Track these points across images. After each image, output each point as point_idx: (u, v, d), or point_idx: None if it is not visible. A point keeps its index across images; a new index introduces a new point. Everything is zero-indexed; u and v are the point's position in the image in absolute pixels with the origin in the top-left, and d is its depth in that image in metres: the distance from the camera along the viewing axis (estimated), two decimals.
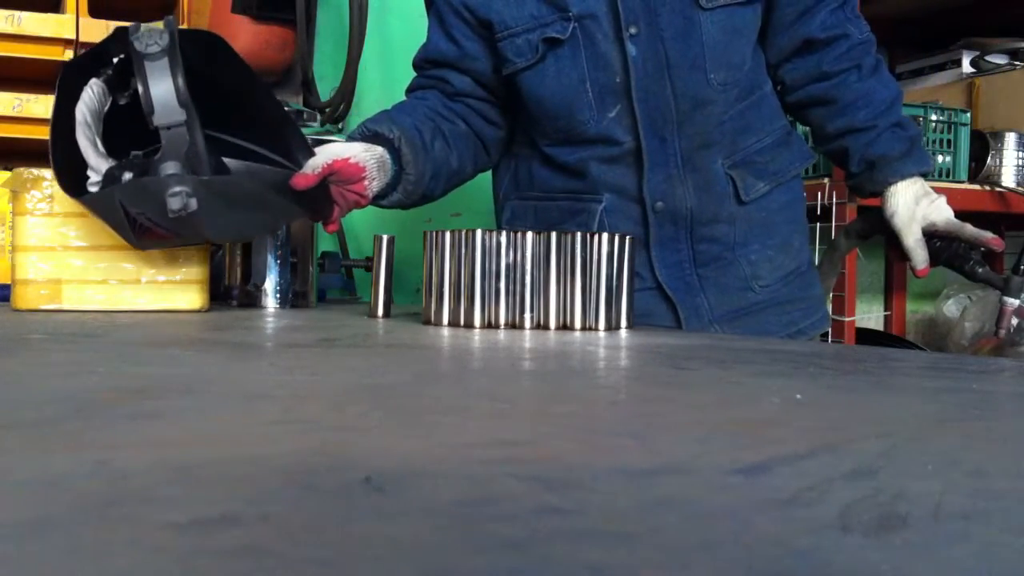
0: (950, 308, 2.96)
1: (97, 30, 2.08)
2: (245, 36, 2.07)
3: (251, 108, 1.29)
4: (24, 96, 2.05)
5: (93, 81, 1.19)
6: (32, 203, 1.34)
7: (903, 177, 1.35)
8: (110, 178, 1.15)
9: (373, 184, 1.28)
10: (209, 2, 2.06)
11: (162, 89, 1.12)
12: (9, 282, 1.39)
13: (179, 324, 1.12)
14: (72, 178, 1.17)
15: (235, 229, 1.28)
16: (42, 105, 2.06)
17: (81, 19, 2.08)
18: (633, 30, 1.29)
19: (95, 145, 1.16)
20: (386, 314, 1.30)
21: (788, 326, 1.42)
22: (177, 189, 1.10)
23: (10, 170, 1.47)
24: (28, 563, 0.25)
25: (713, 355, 0.91)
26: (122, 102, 1.21)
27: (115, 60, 1.21)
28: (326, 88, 2.30)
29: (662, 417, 0.55)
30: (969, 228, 1.34)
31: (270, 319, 1.29)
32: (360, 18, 2.20)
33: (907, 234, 1.35)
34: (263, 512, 0.31)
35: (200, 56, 1.18)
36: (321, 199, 1.26)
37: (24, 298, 1.35)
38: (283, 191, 1.21)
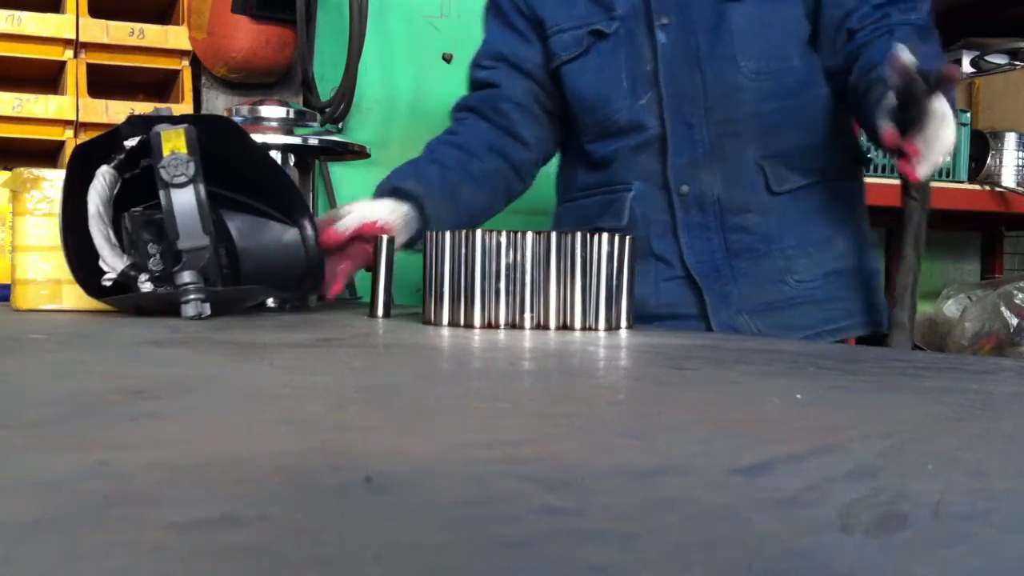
0: (950, 308, 2.96)
1: (97, 30, 2.08)
2: (245, 36, 2.07)
3: (258, 174, 1.36)
4: (24, 96, 2.04)
5: (104, 169, 1.23)
6: (32, 203, 1.34)
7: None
8: (125, 277, 1.21)
9: (397, 240, 1.34)
10: (209, 2, 2.06)
11: (187, 216, 1.19)
12: (9, 282, 1.39)
13: (179, 324, 1.12)
14: (83, 263, 1.23)
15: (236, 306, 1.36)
16: (42, 105, 2.06)
17: (81, 19, 2.08)
18: (664, 20, 1.37)
19: (109, 240, 1.21)
20: (386, 314, 1.30)
21: (824, 323, 1.40)
22: (193, 297, 1.17)
23: (10, 170, 1.47)
24: (28, 563, 0.25)
25: (713, 355, 0.91)
26: (127, 175, 1.27)
27: (126, 145, 1.27)
28: (326, 88, 2.30)
29: (662, 417, 0.55)
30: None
31: (270, 319, 1.29)
32: (360, 18, 2.20)
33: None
34: (263, 512, 0.31)
35: (214, 137, 1.25)
36: (319, 274, 1.37)
37: (24, 298, 1.35)
38: (290, 287, 1.34)
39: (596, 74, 1.42)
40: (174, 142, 1.20)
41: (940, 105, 1.11)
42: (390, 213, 1.35)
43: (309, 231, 1.39)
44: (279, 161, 1.57)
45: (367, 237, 1.32)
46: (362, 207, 1.37)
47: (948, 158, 2.49)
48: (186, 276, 1.19)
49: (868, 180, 2.36)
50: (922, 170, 1.15)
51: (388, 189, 1.40)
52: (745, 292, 1.38)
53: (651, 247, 1.41)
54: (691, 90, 1.36)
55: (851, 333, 1.43)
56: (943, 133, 1.12)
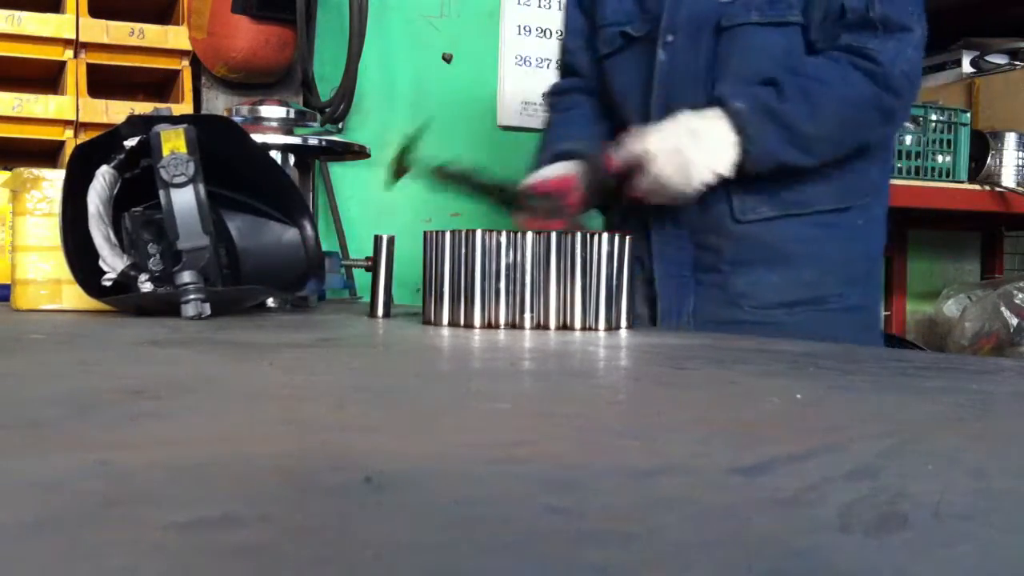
0: (950, 308, 2.96)
1: (97, 30, 2.08)
2: (245, 36, 2.06)
3: (258, 174, 1.37)
4: (24, 96, 2.04)
5: (104, 169, 1.23)
6: (32, 203, 1.34)
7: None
8: (126, 277, 1.22)
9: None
10: (209, 2, 2.06)
11: (187, 216, 1.19)
12: (9, 282, 1.39)
13: (179, 324, 1.12)
14: (83, 263, 1.23)
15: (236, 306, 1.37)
16: (42, 105, 2.06)
17: (81, 19, 2.08)
18: (670, 38, 1.39)
19: (109, 240, 1.22)
20: (386, 314, 1.30)
21: None
22: (193, 297, 1.18)
23: (10, 170, 1.47)
24: (28, 563, 0.25)
25: (713, 355, 0.91)
26: (126, 175, 1.27)
27: (126, 144, 1.27)
28: (326, 88, 2.30)
29: (662, 417, 0.55)
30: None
31: (270, 319, 1.29)
32: (360, 18, 2.20)
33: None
34: (263, 512, 0.31)
35: (214, 137, 1.26)
36: (320, 273, 1.42)
37: (24, 298, 1.35)
38: (291, 288, 1.37)
39: (624, 73, 1.46)
40: (174, 142, 1.20)
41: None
42: (567, 171, 1.40)
43: (309, 231, 1.40)
44: (279, 161, 1.58)
45: (560, 193, 1.37)
46: (544, 170, 1.43)
47: (948, 159, 2.48)
48: (186, 276, 1.19)
49: None
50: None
51: (552, 156, 1.47)
52: (699, 307, 1.40)
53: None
54: (675, 108, 1.37)
55: None
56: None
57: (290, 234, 1.40)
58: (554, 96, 1.64)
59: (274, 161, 1.44)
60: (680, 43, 1.38)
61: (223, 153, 1.26)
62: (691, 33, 1.37)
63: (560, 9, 2.62)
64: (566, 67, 1.62)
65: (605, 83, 1.51)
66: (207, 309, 1.19)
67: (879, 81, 1.30)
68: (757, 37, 1.35)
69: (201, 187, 1.20)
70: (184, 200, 1.19)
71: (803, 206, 1.37)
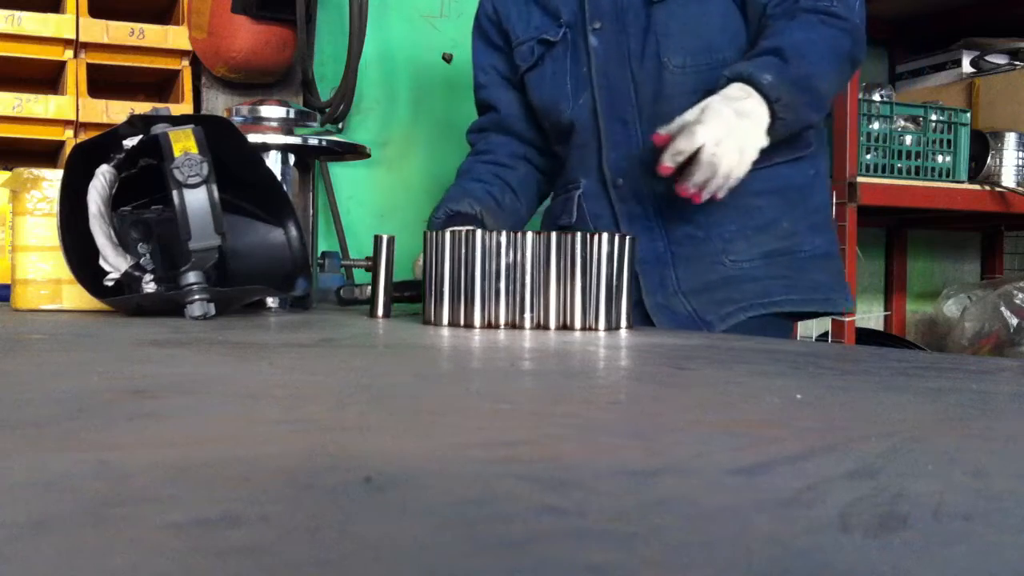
0: (950, 308, 2.96)
1: (97, 30, 2.08)
2: (245, 36, 2.06)
3: (245, 174, 1.37)
4: (24, 96, 2.04)
5: (104, 168, 1.23)
6: (32, 203, 1.34)
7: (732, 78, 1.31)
8: (128, 277, 1.22)
9: None
10: (209, 2, 2.06)
11: (200, 216, 1.20)
12: (9, 282, 1.39)
13: (179, 324, 1.12)
14: (82, 262, 1.24)
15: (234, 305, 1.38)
16: (42, 105, 2.06)
17: (81, 19, 2.08)
18: (597, 25, 1.45)
19: (111, 240, 1.22)
20: (386, 314, 1.30)
21: (758, 296, 1.42)
22: (198, 297, 1.19)
23: (10, 170, 1.47)
24: (28, 563, 0.25)
25: (713, 355, 0.91)
26: (122, 175, 1.27)
27: (126, 144, 1.28)
28: (326, 88, 2.30)
29: (662, 417, 0.55)
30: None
31: (270, 319, 1.29)
32: (360, 18, 2.20)
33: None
34: (263, 512, 0.31)
35: (212, 136, 1.27)
36: (306, 273, 1.45)
37: (24, 298, 1.35)
38: (281, 287, 1.39)
39: (548, 81, 1.51)
40: (184, 143, 1.20)
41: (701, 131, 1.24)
42: None
43: (293, 231, 1.40)
44: (279, 161, 1.58)
45: None
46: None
47: (948, 159, 2.48)
48: (191, 276, 1.19)
49: (868, 180, 2.37)
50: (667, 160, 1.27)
51: (448, 215, 1.51)
52: (682, 275, 1.43)
53: None
54: (623, 89, 1.43)
55: (788, 308, 1.44)
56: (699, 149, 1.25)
57: (275, 234, 1.41)
58: (472, 134, 1.70)
59: (262, 160, 1.44)
60: (608, 27, 1.43)
61: (214, 153, 1.27)
62: (617, 15, 1.43)
63: None
64: (481, 104, 1.68)
65: (530, 97, 1.55)
66: (212, 309, 1.19)
67: (851, 34, 1.35)
68: (691, 5, 1.40)
69: (214, 187, 1.20)
70: (197, 200, 1.20)
71: (765, 159, 1.35)
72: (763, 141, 1.29)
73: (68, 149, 1.91)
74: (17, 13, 2.02)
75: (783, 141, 1.40)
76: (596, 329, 1.14)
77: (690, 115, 1.27)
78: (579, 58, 1.47)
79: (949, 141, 2.50)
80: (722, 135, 1.25)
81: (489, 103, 1.65)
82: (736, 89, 1.28)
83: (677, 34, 1.41)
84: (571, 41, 1.48)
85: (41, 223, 1.34)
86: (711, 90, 1.32)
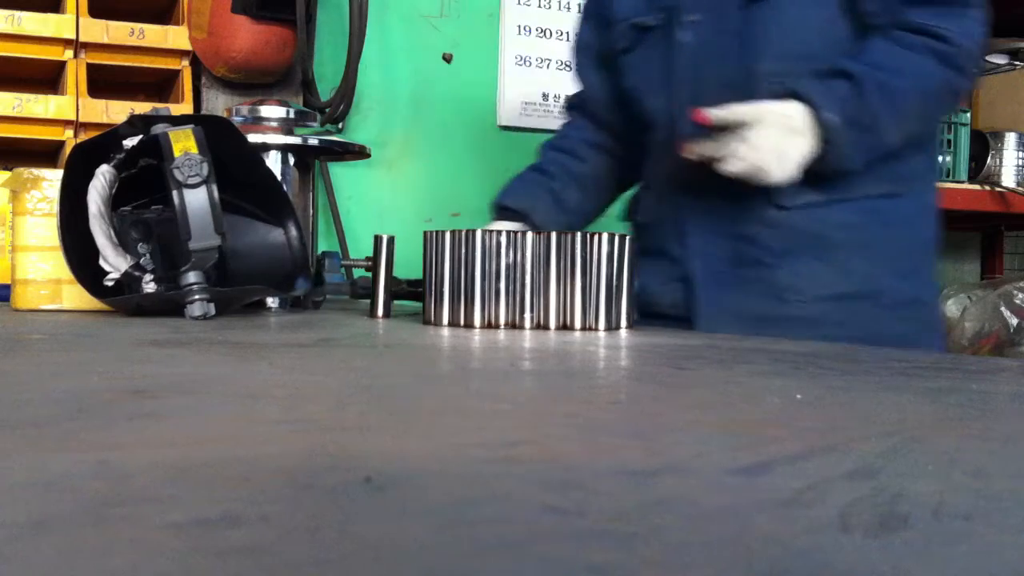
0: (950, 308, 2.96)
1: (97, 30, 2.08)
2: (245, 36, 2.07)
3: (245, 174, 1.37)
4: (24, 96, 2.04)
5: (104, 168, 1.23)
6: (32, 203, 1.34)
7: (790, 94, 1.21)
8: (129, 277, 1.22)
9: None
10: (209, 2, 2.06)
11: (200, 216, 1.20)
12: (9, 282, 1.39)
13: (179, 324, 1.12)
14: (81, 262, 1.24)
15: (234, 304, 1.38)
16: (42, 105, 2.06)
17: (81, 19, 2.08)
18: (692, 18, 1.33)
19: (111, 240, 1.22)
20: (386, 314, 1.30)
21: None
22: (198, 297, 1.19)
23: (10, 170, 1.47)
24: (28, 563, 0.25)
25: (713, 355, 0.91)
26: (124, 174, 1.28)
27: (126, 144, 1.28)
28: (326, 88, 2.30)
29: (662, 417, 0.55)
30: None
31: (270, 319, 1.29)
32: (360, 18, 2.20)
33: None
34: (263, 512, 0.31)
35: (212, 136, 1.26)
36: (306, 273, 1.44)
37: (24, 298, 1.35)
38: (281, 287, 1.39)
39: (638, 69, 1.41)
40: (184, 143, 1.20)
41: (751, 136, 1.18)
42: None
43: (293, 231, 1.40)
44: (279, 161, 1.58)
45: None
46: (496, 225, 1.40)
47: (948, 159, 2.47)
48: (191, 276, 1.19)
49: None
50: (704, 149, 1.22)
51: (497, 207, 1.48)
52: (740, 300, 1.32)
53: (662, 246, 1.39)
54: (708, 91, 1.30)
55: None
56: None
57: (275, 234, 1.41)
58: (565, 111, 1.65)
59: (261, 160, 1.44)
60: (705, 21, 1.31)
61: (213, 152, 1.27)
62: (714, 8, 1.31)
63: (560, 9, 2.62)
64: (577, 81, 1.59)
65: (622, 83, 1.45)
66: (212, 309, 1.19)
67: (951, 63, 1.22)
68: (792, 9, 1.28)
69: (214, 187, 1.20)
70: (197, 200, 1.20)
71: (850, 191, 1.27)
72: (801, 163, 1.20)
73: (68, 149, 1.91)
74: (17, 13, 2.02)
75: (874, 173, 1.28)
76: (596, 329, 1.14)
77: (743, 110, 1.20)
78: (670, 51, 1.35)
79: (949, 141, 2.51)
80: (770, 124, 1.18)
81: (579, 78, 1.57)
82: (794, 104, 1.19)
83: (775, 39, 1.28)
84: (665, 31, 1.36)
85: (41, 223, 1.34)
86: (779, 93, 1.22)
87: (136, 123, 1.27)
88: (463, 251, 1.14)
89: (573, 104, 1.62)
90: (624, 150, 1.54)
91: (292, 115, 1.64)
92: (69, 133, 2.07)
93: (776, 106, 1.20)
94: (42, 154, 2.18)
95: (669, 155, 1.35)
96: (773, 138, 1.18)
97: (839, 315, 1.29)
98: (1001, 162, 2.56)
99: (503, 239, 1.14)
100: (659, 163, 1.41)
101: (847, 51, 1.26)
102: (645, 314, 1.39)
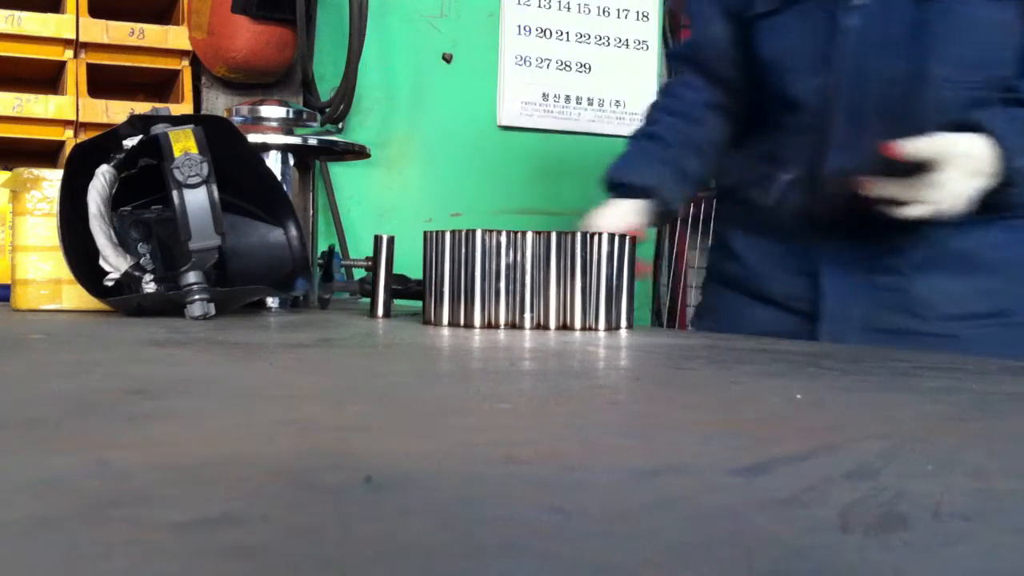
0: None
1: (97, 30, 2.08)
2: (245, 36, 2.07)
3: (244, 174, 1.37)
4: (24, 96, 2.04)
5: (104, 168, 1.23)
6: (32, 203, 1.34)
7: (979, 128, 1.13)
8: (129, 277, 1.22)
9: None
10: (209, 2, 2.06)
11: (200, 216, 1.20)
12: (9, 282, 1.39)
13: (179, 324, 1.12)
14: (81, 261, 1.24)
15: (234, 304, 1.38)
16: (42, 105, 2.06)
17: (81, 19, 2.08)
18: (859, 1, 1.21)
19: (111, 240, 1.22)
20: (386, 314, 1.30)
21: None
22: (198, 297, 1.19)
23: (10, 170, 1.47)
24: (28, 563, 0.25)
25: (713, 355, 0.91)
26: (124, 174, 1.28)
27: (126, 144, 1.27)
28: (326, 88, 2.30)
29: (662, 417, 0.55)
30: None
31: (270, 319, 1.29)
32: (360, 18, 2.20)
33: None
34: (263, 512, 0.31)
35: (212, 136, 1.26)
36: (306, 274, 1.45)
37: (24, 298, 1.35)
38: (281, 287, 1.39)
39: (783, 40, 1.28)
40: (184, 143, 1.20)
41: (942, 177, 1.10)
42: (636, 217, 1.33)
43: (293, 231, 1.40)
44: (279, 161, 1.58)
45: None
46: (608, 221, 1.31)
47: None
48: (191, 276, 1.19)
49: None
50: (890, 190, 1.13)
51: (613, 183, 1.36)
52: (870, 310, 1.25)
53: (783, 229, 1.30)
54: (870, 87, 1.21)
55: None
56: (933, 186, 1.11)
57: (275, 234, 1.41)
58: (670, 61, 1.51)
59: (261, 160, 1.44)
60: (873, 7, 1.20)
61: (213, 152, 1.27)
62: None
63: (560, 9, 2.62)
64: (694, 27, 1.45)
65: (756, 48, 1.31)
66: (212, 309, 1.19)
67: None
68: (968, 7, 1.17)
69: (214, 187, 1.20)
70: (197, 200, 1.20)
71: (1001, 208, 1.20)
72: (978, 195, 1.13)
73: (68, 149, 1.91)
74: (17, 13, 2.02)
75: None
76: (596, 329, 1.14)
77: (933, 148, 1.12)
78: (828, 32, 1.23)
79: None
80: (961, 162, 1.11)
81: (695, 29, 1.44)
82: (982, 150, 1.12)
83: (948, 39, 1.18)
84: (825, 7, 1.23)
85: (41, 223, 1.34)
86: (965, 122, 1.14)
87: (136, 123, 1.27)
88: (463, 251, 1.14)
89: (683, 55, 1.48)
90: (739, 108, 1.41)
91: (292, 115, 1.64)
92: (69, 133, 2.07)
93: (964, 144, 1.12)
94: (42, 154, 2.18)
95: (814, 150, 1.26)
96: (959, 182, 1.11)
97: (970, 334, 1.23)
98: None
99: (503, 239, 1.14)
100: (799, 153, 1.29)
101: (1020, 60, 1.19)
102: (751, 295, 1.33)
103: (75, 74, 2.08)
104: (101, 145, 1.28)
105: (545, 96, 2.60)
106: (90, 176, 1.23)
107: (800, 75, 1.26)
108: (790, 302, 1.31)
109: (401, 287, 1.33)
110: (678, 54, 1.47)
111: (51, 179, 1.34)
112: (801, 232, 1.29)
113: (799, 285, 1.30)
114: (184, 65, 2.19)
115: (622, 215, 1.33)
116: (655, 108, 1.47)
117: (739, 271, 1.37)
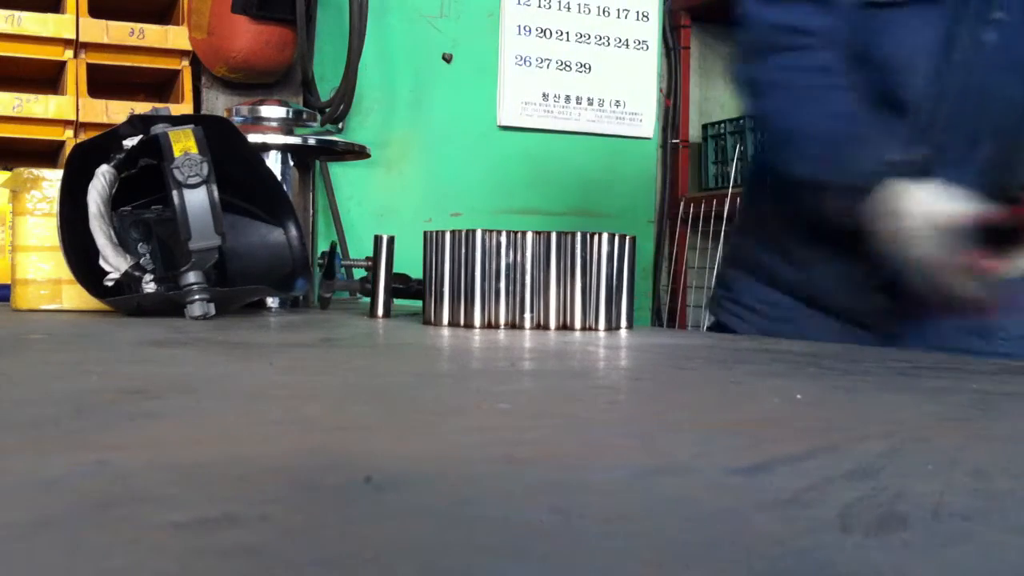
0: None
1: (97, 30, 2.09)
2: (245, 36, 2.07)
3: (245, 174, 1.37)
4: (24, 96, 2.04)
5: (104, 168, 1.23)
6: (32, 203, 1.34)
7: None
8: (129, 277, 1.22)
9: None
10: (209, 2, 2.06)
11: (200, 216, 1.20)
12: (9, 282, 1.39)
13: (179, 324, 1.12)
14: (81, 261, 1.24)
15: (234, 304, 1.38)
16: (42, 105, 2.06)
17: (81, 19, 2.08)
18: (999, 15, 1.12)
19: (111, 240, 1.22)
20: (386, 314, 1.30)
21: None
22: (198, 297, 1.19)
23: (10, 170, 1.47)
24: (28, 563, 0.25)
25: (713, 355, 0.91)
26: (124, 174, 1.28)
27: (126, 144, 1.28)
28: (326, 88, 2.31)
29: (662, 417, 0.55)
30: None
31: (270, 319, 1.29)
32: (360, 18, 2.20)
33: None
34: (263, 512, 0.31)
35: (212, 136, 1.27)
36: (306, 274, 1.44)
37: (24, 298, 1.35)
38: (281, 287, 1.39)
39: (904, 37, 1.16)
40: (184, 143, 1.20)
41: None
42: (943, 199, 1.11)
43: (293, 231, 1.40)
44: (279, 161, 1.58)
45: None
46: (925, 207, 1.09)
47: None
48: (191, 276, 1.20)
49: None
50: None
51: (877, 171, 1.13)
52: (942, 333, 1.19)
53: (851, 236, 1.15)
54: (992, 105, 1.15)
55: None
56: None
57: (275, 234, 1.41)
58: (788, 46, 1.20)
59: (262, 160, 1.44)
60: (1012, 25, 1.12)
61: (213, 152, 1.27)
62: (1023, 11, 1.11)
63: (560, 9, 2.62)
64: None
65: (869, 39, 1.18)
66: (212, 309, 1.19)
67: None
68: None
69: (214, 187, 1.20)
70: (197, 200, 1.20)
71: None
72: None
73: (68, 149, 1.91)
74: (17, 13, 2.02)
75: None
76: (596, 329, 1.14)
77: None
78: (951, 40, 1.14)
79: None
80: None
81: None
82: None
83: None
84: (959, 16, 1.14)
85: (41, 223, 1.34)
86: None
87: (136, 123, 1.27)
88: (463, 251, 1.14)
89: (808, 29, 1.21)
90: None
91: (292, 115, 1.64)
92: (69, 133, 2.07)
93: None
94: (42, 154, 2.18)
95: (918, 151, 1.14)
96: None
97: None
98: None
99: (503, 239, 1.14)
100: (892, 150, 1.14)
101: None
102: (816, 307, 1.24)
103: (75, 74, 2.08)
104: (101, 145, 1.28)
105: (545, 96, 2.61)
106: (90, 176, 1.23)
107: (915, 78, 1.16)
108: (863, 319, 1.24)
109: (403, 286, 1.33)
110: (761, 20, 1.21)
111: (51, 179, 1.34)
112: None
113: (868, 301, 1.22)
114: (184, 65, 2.19)
115: (929, 199, 1.12)
116: (824, 87, 1.22)
117: (794, 275, 1.27)
